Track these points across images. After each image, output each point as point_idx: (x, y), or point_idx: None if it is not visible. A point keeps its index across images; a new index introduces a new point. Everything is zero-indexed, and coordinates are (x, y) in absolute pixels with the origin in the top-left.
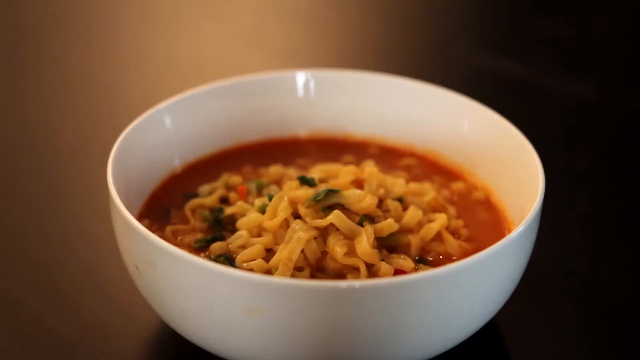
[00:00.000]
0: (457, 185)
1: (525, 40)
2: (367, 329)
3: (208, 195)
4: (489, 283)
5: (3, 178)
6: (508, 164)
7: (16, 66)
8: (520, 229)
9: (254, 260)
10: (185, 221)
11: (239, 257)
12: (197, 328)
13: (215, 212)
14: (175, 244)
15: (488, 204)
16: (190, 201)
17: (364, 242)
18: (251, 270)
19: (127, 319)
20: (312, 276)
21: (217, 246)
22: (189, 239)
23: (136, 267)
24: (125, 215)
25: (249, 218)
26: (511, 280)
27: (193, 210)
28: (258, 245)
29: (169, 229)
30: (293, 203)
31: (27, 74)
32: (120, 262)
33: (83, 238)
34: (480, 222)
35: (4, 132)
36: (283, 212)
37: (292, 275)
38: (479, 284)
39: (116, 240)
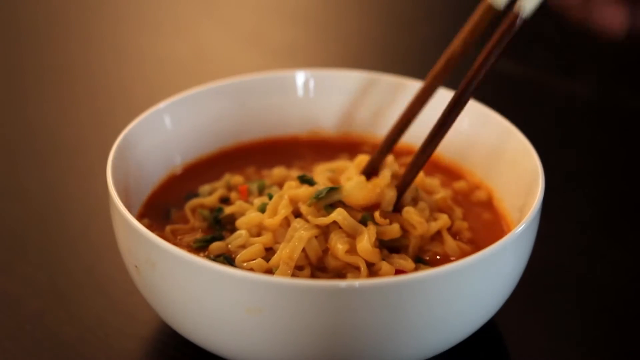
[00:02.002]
0: (459, 185)
1: (525, 40)
2: (367, 329)
3: (208, 195)
4: (489, 282)
5: (3, 178)
6: (508, 164)
7: (16, 66)
8: (520, 228)
9: (254, 259)
10: (185, 221)
11: (239, 257)
12: (197, 328)
13: (215, 211)
14: (175, 244)
15: (489, 205)
16: (190, 201)
17: (365, 241)
18: (251, 269)
19: (127, 319)
20: (313, 275)
21: (216, 246)
22: (189, 238)
23: (136, 266)
24: (125, 215)
25: (249, 217)
26: (511, 279)
27: (193, 210)
28: (258, 244)
29: (168, 228)
30: (293, 202)
31: (27, 74)
32: (120, 262)
33: (83, 238)
34: (482, 223)
35: (4, 132)
36: (284, 210)
37: (293, 274)
38: (479, 283)
39: (116, 240)
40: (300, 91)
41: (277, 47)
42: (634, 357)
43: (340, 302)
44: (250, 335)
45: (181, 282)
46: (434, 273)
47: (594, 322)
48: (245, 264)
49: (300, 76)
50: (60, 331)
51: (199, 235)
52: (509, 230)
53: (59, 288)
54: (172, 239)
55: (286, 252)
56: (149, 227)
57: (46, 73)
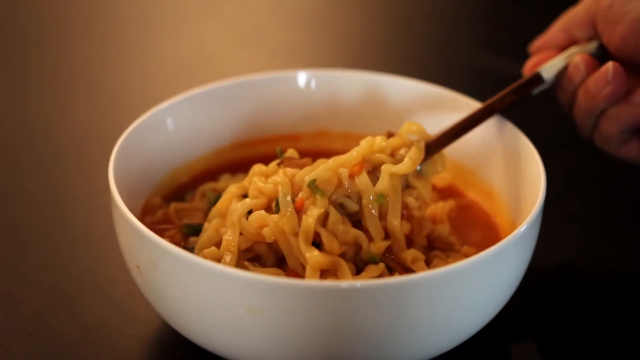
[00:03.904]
0: (449, 202)
1: (525, 40)
2: (367, 329)
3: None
4: (491, 283)
5: (4, 178)
6: (509, 164)
7: (17, 66)
8: (522, 229)
9: (209, 248)
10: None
11: (197, 245)
12: (198, 328)
13: (218, 196)
14: (174, 224)
15: (486, 216)
16: (204, 184)
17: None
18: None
19: (129, 319)
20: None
21: (194, 239)
22: (187, 220)
23: (137, 267)
24: (126, 215)
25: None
26: (513, 279)
27: (203, 193)
28: (210, 230)
29: (173, 206)
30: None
31: (28, 74)
32: (121, 262)
33: (85, 238)
34: (478, 229)
35: (4, 132)
36: (235, 190)
37: (240, 265)
38: (481, 284)
39: (117, 240)
40: (300, 91)
41: (277, 48)
42: (634, 357)
43: (341, 302)
44: (251, 335)
45: (182, 282)
46: (435, 274)
47: (594, 322)
48: (200, 253)
49: (301, 76)
50: (62, 331)
51: (196, 218)
52: (510, 229)
53: (61, 288)
54: (176, 218)
55: (226, 238)
56: (157, 204)
57: (48, 73)
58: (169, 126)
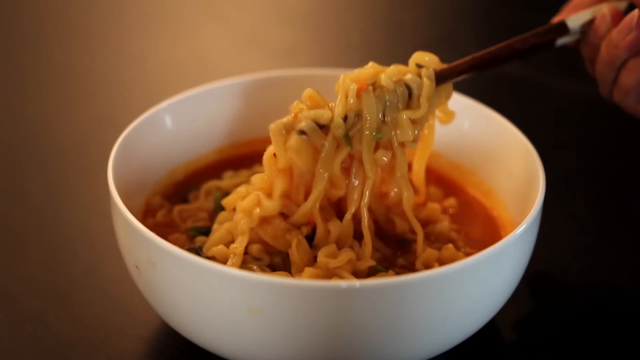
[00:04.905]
0: (449, 202)
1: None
2: (367, 329)
3: (229, 179)
4: (491, 283)
5: (3, 178)
6: (508, 164)
7: (16, 66)
8: (521, 229)
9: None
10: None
11: (206, 245)
12: (197, 328)
13: (224, 195)
14: (180, 227)
15: (485, 216)
16: (208, 182)
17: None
18: (214, 258)
19: (128, 319)
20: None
21: (201, 239)
22: (191, 223)
23: (137, 266)
24: (125, 215)
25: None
26: (512, 279)
27: (208, 192)
28: (220, 230)
29: (177, 209)
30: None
31: (28, 74)
32: (120, 262)
33: (84, 238)
34: (477, 229)
35: (4, 132)
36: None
37: (247, 266)
38: (480, 283)
39: (117, 240)
40: (301, 90)
41: (277, 48)
42: (634, 357)
43: (341, 302)
44: (251, 335)
45: (182, 282)
46: (435, 273)
47: (594, 323)
48: (209, 251)
49: (301, 76)
50: (61, 331)
51: (201, 220)
52: (510, 229)
53: (60, 288)
54: (179, 221)
55: (234, 245)
56: (159, 206)
57: (47, 73)
58: (168, 125)
